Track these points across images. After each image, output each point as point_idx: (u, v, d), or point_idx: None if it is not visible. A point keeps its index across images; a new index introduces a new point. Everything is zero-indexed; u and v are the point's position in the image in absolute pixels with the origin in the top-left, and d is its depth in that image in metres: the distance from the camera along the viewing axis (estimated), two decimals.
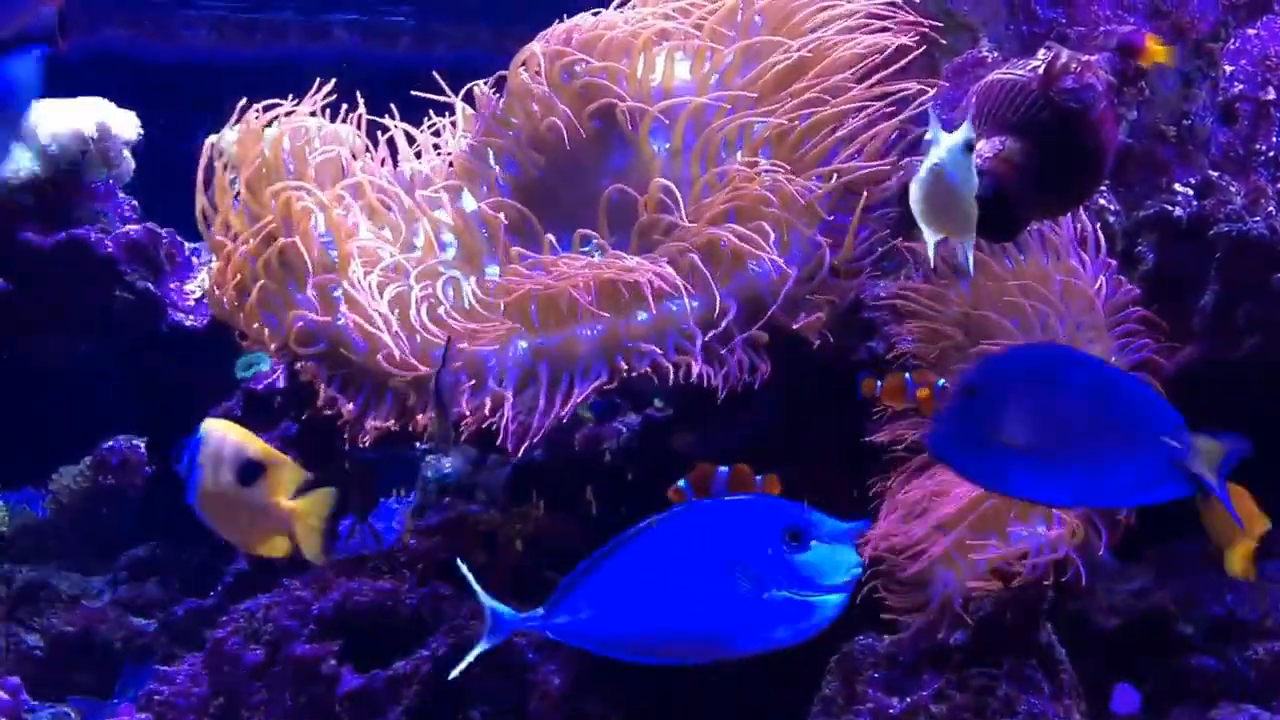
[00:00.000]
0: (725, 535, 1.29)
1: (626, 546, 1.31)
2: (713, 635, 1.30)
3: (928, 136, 1.32)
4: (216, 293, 1.85)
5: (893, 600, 1.61)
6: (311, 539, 1.63)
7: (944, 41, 1.88)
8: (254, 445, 1.62)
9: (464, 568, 1.34)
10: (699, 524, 1.32)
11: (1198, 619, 1.56)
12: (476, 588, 1.31)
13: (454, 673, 1.35)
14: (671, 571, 1.29)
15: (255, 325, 1.80)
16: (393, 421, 1.71)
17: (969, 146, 1.31)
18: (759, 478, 1.57)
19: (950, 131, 1.31)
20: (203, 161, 1.88)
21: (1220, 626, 1.55)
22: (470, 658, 1.31)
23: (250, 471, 1.61)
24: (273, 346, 1.81)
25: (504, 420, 1.64)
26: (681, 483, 1.59)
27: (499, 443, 1.67)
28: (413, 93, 2.00)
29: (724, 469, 1.59)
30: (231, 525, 1.66)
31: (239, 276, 1.81)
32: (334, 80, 1.97)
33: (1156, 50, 1.59)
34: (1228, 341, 1.63)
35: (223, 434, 1.61)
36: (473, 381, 1.67)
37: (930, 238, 1.36)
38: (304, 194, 1.83)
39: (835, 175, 1.76)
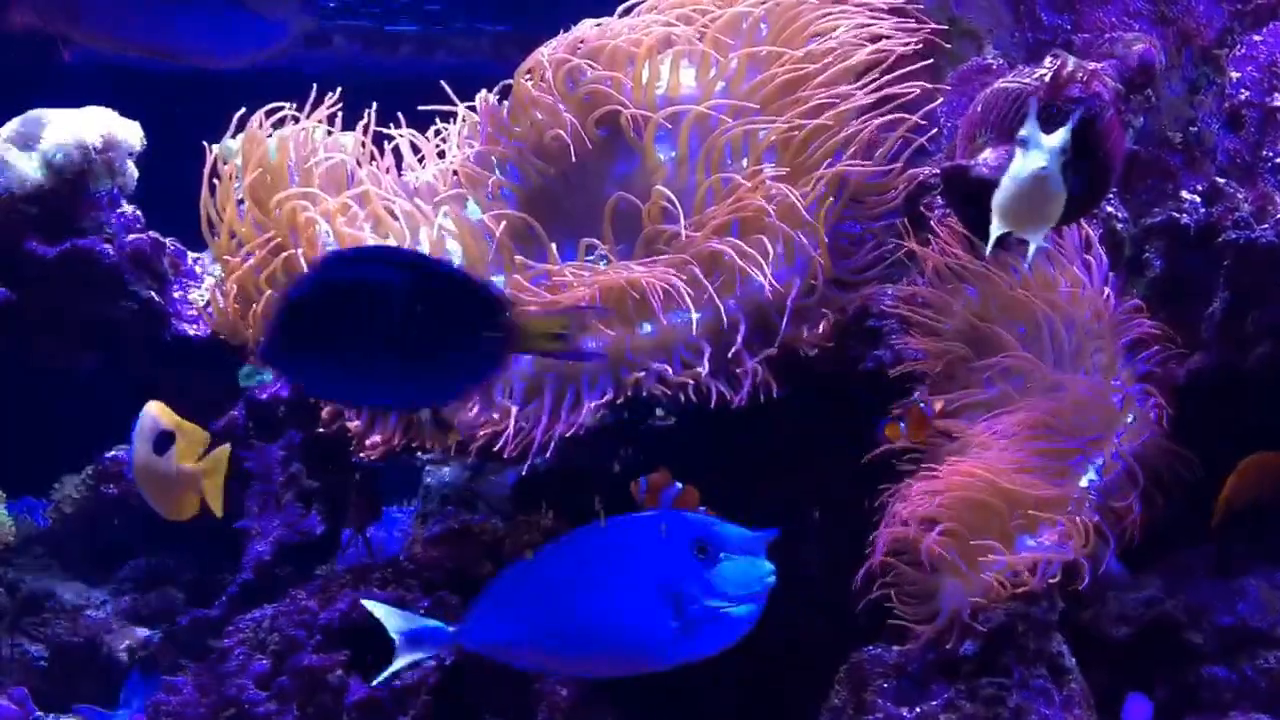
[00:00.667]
0: (635, 550, 1.32)
1: (538, 562, 1.34)
2: (626, 649, 1.32)
3: (1022, 133, 1.32)
4: (221, 303, 1.85)
5: (901, 610, 1.61)
6: (213, 495, 1.80)
7: (949, 47, 1.88)
8: (166, 417, 1.80)
9: (371, 604, 1.38)
10: (610, 540, 1.34)
11: (1208, 628, 1.56)
12: (380, 611, 1.33)
13: (375, 681, 1.38)
14: (583, 586, 1.31)
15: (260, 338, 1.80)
16: (398, 438, 1.70)
17: (1065, 151, 1.31)
18: (702, 508, 1.57)
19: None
20: (206, 170, 1.88)
21: (1231, 636, 1.54)
22: (383, 676, 1.35)
23: (163, 441, 1.80)
24: None
25: (508, 433, 1.63)
26: (641, 479, 1.60)
27: (504, 454, 1.67)
28: (418, 106, 2.00)
29: (677, 485, 1.59)
30: (156, 493, 1.83)
31: (243, 289, 1.81)
32: (338, 89, 1.97)
33: None
34: (1237, 349, 1.63)
35: (145, 411, 1.80)
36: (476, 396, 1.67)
37: (998, 230, 1.36)
38: (309, 204, 1.83)
39: (840, 182, 1.75)
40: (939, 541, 1.55)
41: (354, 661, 1.82)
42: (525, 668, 1.37)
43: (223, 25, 1.09)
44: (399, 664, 1.35)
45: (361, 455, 1.74)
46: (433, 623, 1.36)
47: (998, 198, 1.35)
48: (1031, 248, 1.40)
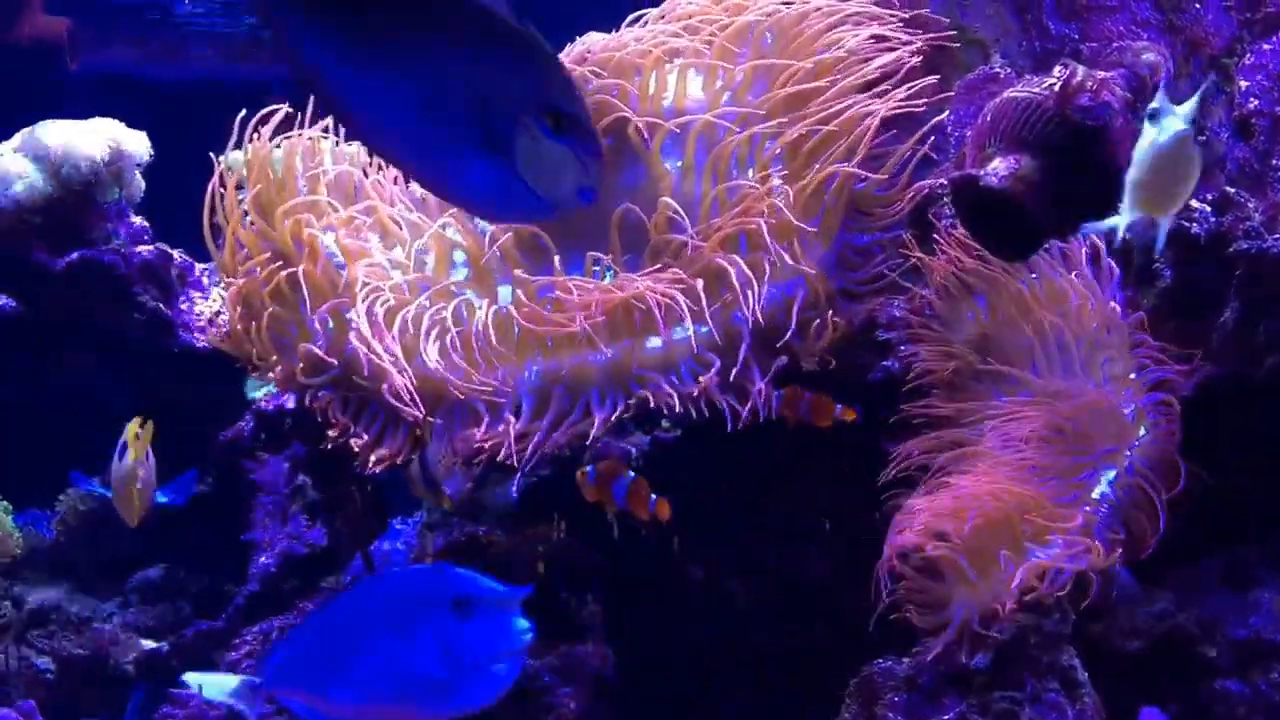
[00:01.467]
0: (401, 605, 1.37)
1: (320, 613, 1.43)
2: (398, 701, 1.37)
3: (1152, 106, 1.30)
4: (224, 316, 1.85)
5: (912, 621, 1.60)
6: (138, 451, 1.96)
7: (956, 56, 1.87)
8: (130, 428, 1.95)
9: (191, 678, 1.43)
10: (381, 593, 1.41)
11: (1221, 641, 1.54)
12: (198, 681, 1.38)
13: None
14: (358, 639, 1.37)
15: (265, 353, 1.79)
16: (404, 453, 1.70)
17: (1196, 119, 1.30)
18: (654, 497, 1.58)
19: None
20: (213, 182, 1.88)
21: (1245, 649, 1.53)
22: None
23: (123, 450, 1.98)
24: (281, 376, 1.80)
25: (512, 447, 1.63)
26: (589, 468, 1.60)
27: (509, 464, 1.66)
28: None
29: (630, 475, 1.59)
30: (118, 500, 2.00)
31: (247, 302, 1.80)
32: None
33: None
34: (1249, 360, 1.62)
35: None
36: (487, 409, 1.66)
37: (1127, 217, 1.33)
38: (315, 216, 1.83)
39: (846, 193, 1.75)
40: (949, 551, 1.54)
41: None
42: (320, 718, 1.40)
43: (503, 191, 1.10)
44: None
45: (366, 470, 1.73)
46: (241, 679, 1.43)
47: (1135, 174, 1.31)
48: (1163, 228, 1.35)
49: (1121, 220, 1.35)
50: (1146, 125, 1.32)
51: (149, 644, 2.49)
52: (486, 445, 1.63)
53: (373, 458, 1.71)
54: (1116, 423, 1.65)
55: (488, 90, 1.06)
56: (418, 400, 1.64)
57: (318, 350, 1.73)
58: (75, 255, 2.49)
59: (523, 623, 1.36)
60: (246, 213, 1.86)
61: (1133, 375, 1.68)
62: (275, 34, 1.06)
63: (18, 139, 2.53)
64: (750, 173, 1.79)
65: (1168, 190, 1.33)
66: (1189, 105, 1.30)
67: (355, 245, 1.83)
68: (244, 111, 1.89)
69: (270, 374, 1.82)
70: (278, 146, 1.91)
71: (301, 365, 1.75)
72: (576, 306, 1.65)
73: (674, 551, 1.88)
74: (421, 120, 1.07)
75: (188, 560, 2.63)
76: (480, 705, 1.37)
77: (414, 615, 1.35)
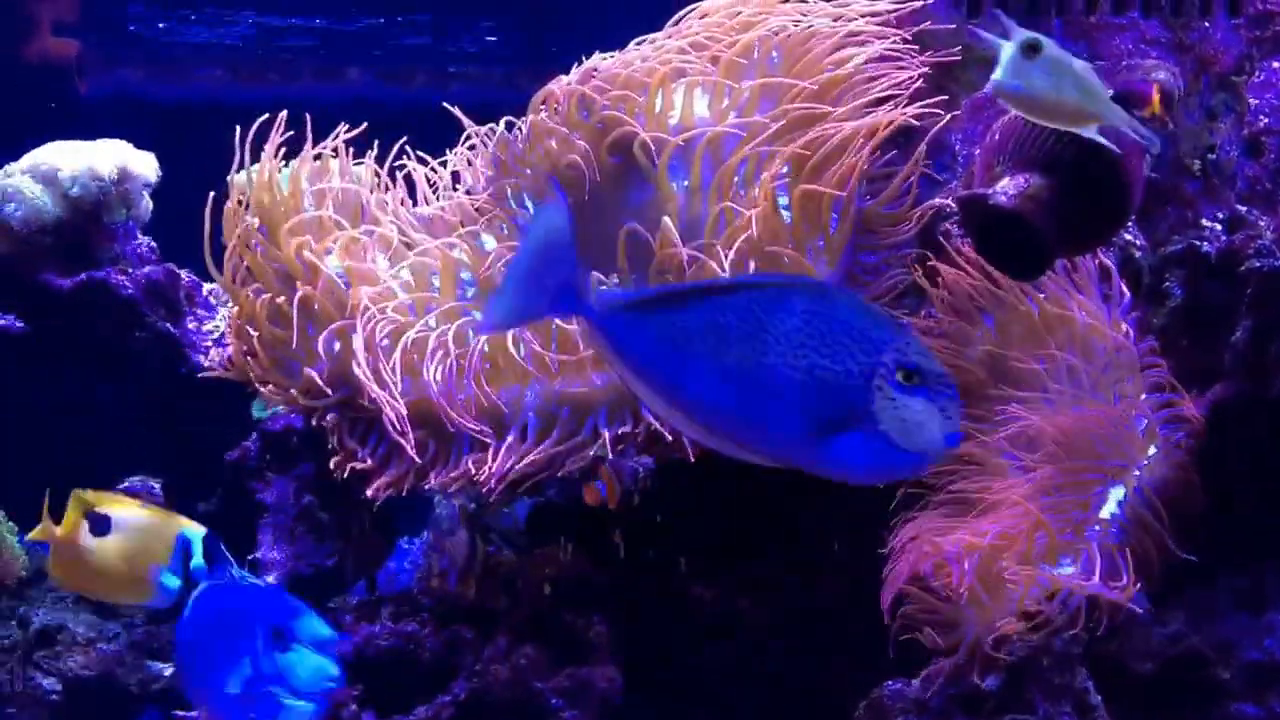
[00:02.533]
0: (231, 621, 1.41)
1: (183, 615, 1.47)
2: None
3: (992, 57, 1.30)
4: (230, 342, 1.85)
5: (922, 641, 1.59)
6: None
7: (962, 76, 1.87)
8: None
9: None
10: (219, 605, 1.44)
11: (1235, 664, 1.53)
12: None
13: None
14: (200, 649, 1.42)
15: (266, 378, 1.79)
16: (408, 480, 1.69)
17: (1030, 47, 1.29)
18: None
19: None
20: (229, 203, 1.88)
21: (1259, 672, 1.52)
22: None
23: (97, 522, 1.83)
24: (285, 399, 1.80)
25: (514, 467, 1.62)
26: (598, 483, 1.63)
27: (518, 485, 1.65)
28: (431, 132, 2.01)
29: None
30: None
31: (251, 327, 1.80)
32: (351, 119, 1.97)
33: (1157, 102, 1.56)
34: (1260, 379, 1.61)
35: None
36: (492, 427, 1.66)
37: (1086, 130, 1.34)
38: (321, 234, 1.82)
39: (853, 211, 1.74)
40: (959, 574, 1.53)
41: (367, 696, 1.80)
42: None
43: (877, 459, 1.13)
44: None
45: (368, 494, 1.72)
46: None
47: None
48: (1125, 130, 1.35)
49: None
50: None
51: (156, 665, 2.48)
52: (496, 470, 1.63)
53: (375, 484, 1.70)
54: (1128, 440, 1.64)
55: (834, 365, 1.07)
56: (408, 430, 1.65)
57: (317, 377, 1.73)
58: (83, 275, 2.49)
59: (332, 667, 1.39)
60: (251, 234, 1.85)
61: (1143, 395, 1.67)
62: (597, 344, 1.10)
63: (26, 160, 2.54)
64: (756, 191, 1.78)
65: (1063, 113, 1.32)
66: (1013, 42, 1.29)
67: (361, 266, 1.83)
68: (254, 126, 1.89)
69: (276, 397, 1.82)
70: (285, 165, 1.91)
71: (306, 389, 1.75)
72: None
73: (681, 572, 1.86)
74: (770, 409, 1.09)
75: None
76: None
77: (232, 634, 1.39)
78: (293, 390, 1.78)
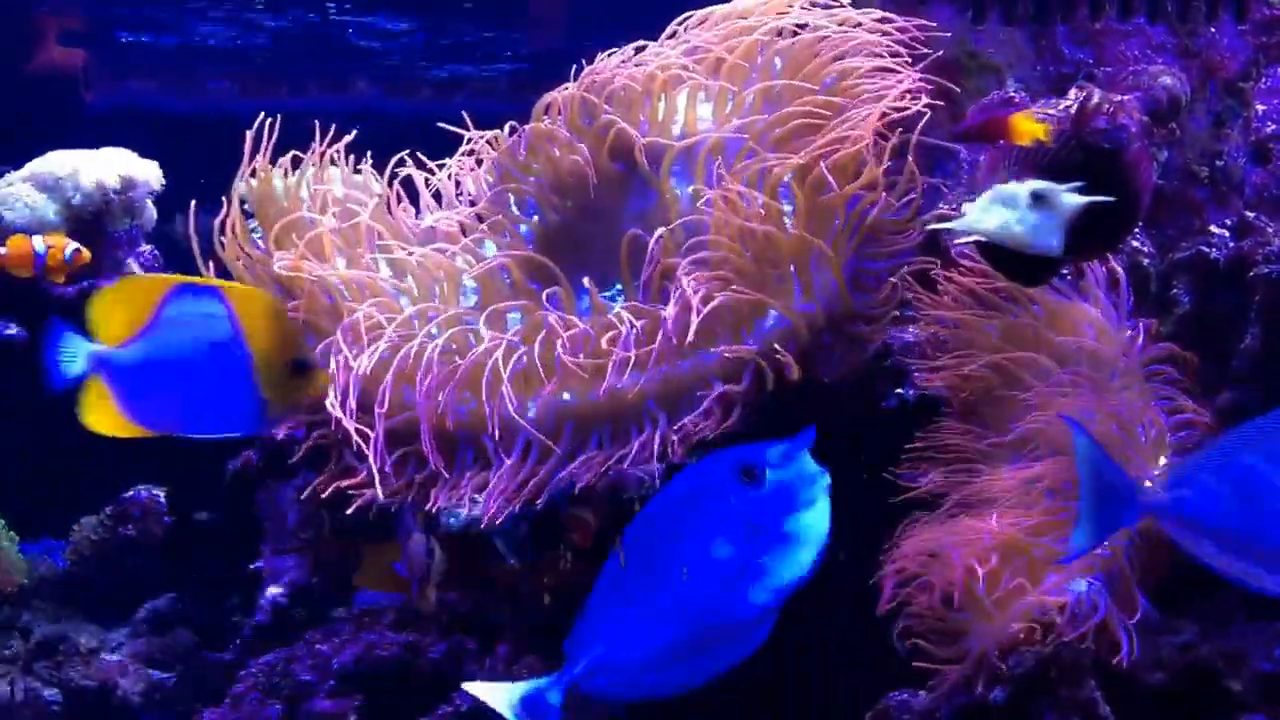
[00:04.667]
0: (694, 502, 1.29)
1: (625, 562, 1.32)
2: (723, 611, 1.28)
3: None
4: None
5: (929, 650, 1.57)
6: None
7: (966, 83, 1.86)
8: None
9: (470, 686, 1.35)
10: (673, 509, 1.32)
11: (1246, 674, 1.51)
12: (482, 692, 1.28)
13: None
14: (665, 561, 1.29)
15: None
16: (409, 494, 1.68)
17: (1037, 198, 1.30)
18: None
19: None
20: (231, 214, 1.87)
21: (1270, 683, 1.50)
22: None
23: None
24: None
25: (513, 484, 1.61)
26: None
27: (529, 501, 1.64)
28: (435, 138, 2.00)
29: None
30: None
31: None
32: (357, 129, 1.97)
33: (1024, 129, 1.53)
34: (1271, 385, 1.59)
35: None
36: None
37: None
38: (322, 244, 1.82)
39: (858, 219, 1.73)
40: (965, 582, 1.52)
41: (367, 707, 1.79)
42: (639, 689, 1.31)
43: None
44: None
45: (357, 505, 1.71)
46: (535, 684, 1.28)
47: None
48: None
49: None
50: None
51: (157, 674, 2.47)
52: (495, 493, 1.61)
53: (366, 494, 1.69)
54: (1136, 450, 1.62)
55: None
56: (385, 459, 1.63)
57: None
58: (86, 283, 2.49)
59: (814, 465, 1.29)
60: (245, 238, 1.85)
61: (1151, 402, 1.65)
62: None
63: (29, 169, 2.55)
64: (759, 199, 1.77)
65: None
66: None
67: (363, 277, 1.81)
68: (269, 135, 1.88)
69: None
70: (289, 175, 1.90)
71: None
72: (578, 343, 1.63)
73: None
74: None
75: (196, 590, 2.61)
76: (802, 571, 1.30)
77: (700, 509, 1.27)
78: None
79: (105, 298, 1.45)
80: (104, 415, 1.47)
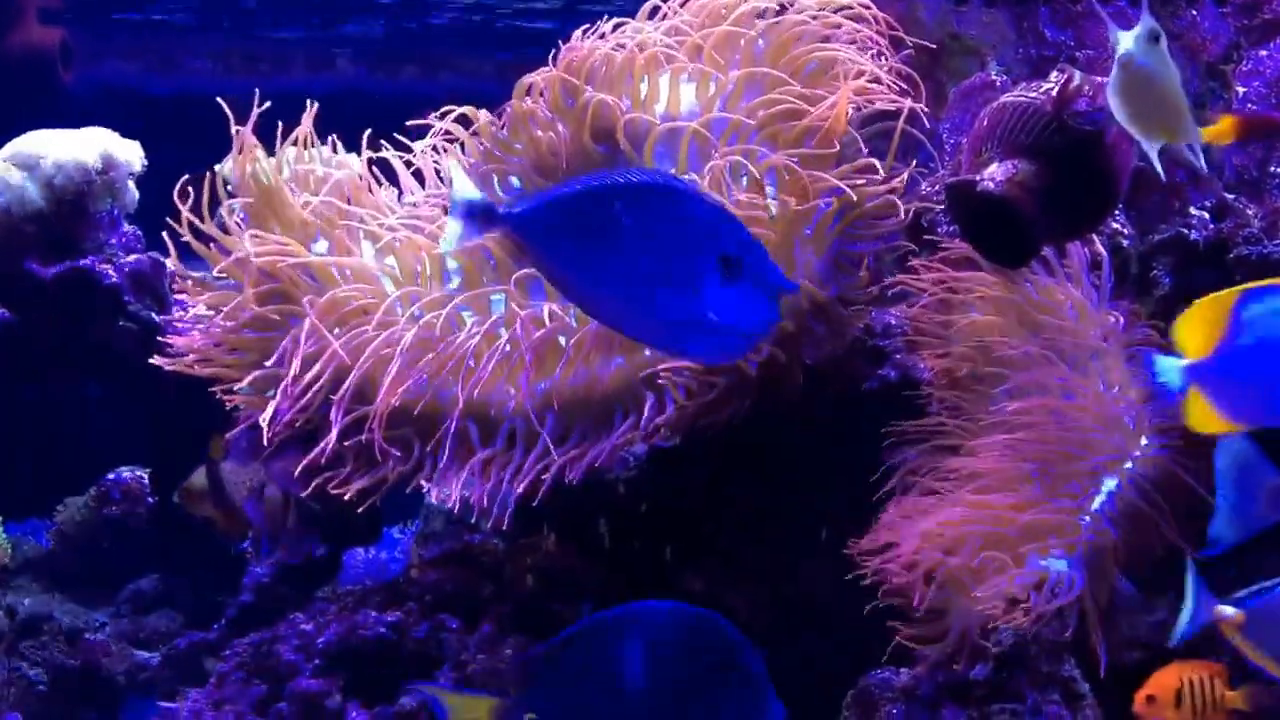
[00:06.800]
0: (682, 225, 1.27)
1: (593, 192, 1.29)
2: (659, 303, 1.28)
3: (1111, 41, 1.30)
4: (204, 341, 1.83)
5: (910, 629, 1.58)
6: None
7: (951, 63, 1.86)
8: None
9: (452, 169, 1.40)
10: (666, 204, 1.28)
11: (1223, 652, 1.53)
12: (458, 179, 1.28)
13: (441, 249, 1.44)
14: (630, 232, 1.27)
15: (231, 377, 1.78)
16: (393, 481, 1.68)
17: (1154, 36, 1.28)
18: None
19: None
20: (207, 194, 1.86)
21: (1243, 661, 1.51)
22: (444, 247, 1.36)
23: None
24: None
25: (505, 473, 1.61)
26: None
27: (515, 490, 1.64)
28: (416, 120, 1.99)
29: None
30: None
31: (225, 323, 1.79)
32: (340, 110, 1.96)
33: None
34: None
35: None
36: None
37: (1151, 147, 1.32)
38: (305, 228, 1.81)
39: (840, 201, 1.73)
40: (948, 563, 1.53)
41: (352, 685, 1.79)
42: (558, 275, 1.30)
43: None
44: (452, 230, 1.27)
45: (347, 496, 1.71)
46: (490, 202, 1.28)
47: (1116, 113, 1.31)
48: (1187, 154, 1.34)
49: (1149, 150, 1.32)
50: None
51: (142, 654, 2.47)
52: (486, 472, 1.61)
53: (354, 488, 1.69)
54: (1118, 430, 1.63)
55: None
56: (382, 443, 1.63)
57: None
58: (67, 265, 2.48)
59: (773, 311, 1.27)
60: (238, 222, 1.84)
61: (1132, 383, 1.66)
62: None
63: (9, 149, 2.53)
64: (743, 182, 1.77)
65: (1146, 114, 1.31)
66: (1140, 27, 1.28)
67: (344, 260, 1.81)
68: (252, 115, 1.87)
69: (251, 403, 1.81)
70: (271, 155, 1.90)
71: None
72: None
73: (667, 561, 1.86)
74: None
75: (181, 570, 2.61)
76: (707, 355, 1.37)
77: (683, 241, 1.26)
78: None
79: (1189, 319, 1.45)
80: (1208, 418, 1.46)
